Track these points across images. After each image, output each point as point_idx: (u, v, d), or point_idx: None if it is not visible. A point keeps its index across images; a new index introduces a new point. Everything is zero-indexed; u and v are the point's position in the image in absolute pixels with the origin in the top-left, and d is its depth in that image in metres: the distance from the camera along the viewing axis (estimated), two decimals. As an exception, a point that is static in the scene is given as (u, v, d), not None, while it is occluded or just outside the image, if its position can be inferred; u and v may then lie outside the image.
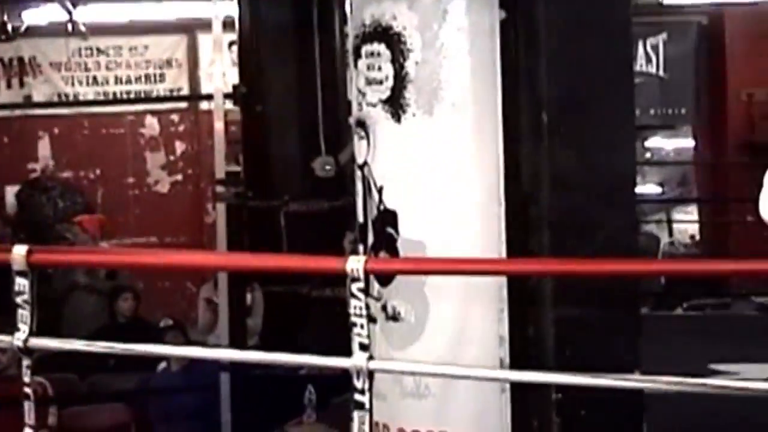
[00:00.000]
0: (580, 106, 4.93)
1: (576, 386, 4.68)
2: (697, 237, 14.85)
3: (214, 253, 7.86)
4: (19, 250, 4.57)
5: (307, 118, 8.88)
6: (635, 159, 5.26)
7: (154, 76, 14.15)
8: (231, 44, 9.77)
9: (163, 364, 9.04)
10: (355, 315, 4.43)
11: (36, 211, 13.44)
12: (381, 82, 5.02)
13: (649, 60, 13.83)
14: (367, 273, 4.42)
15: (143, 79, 14.15)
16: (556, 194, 4.93)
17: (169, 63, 14.14)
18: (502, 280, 4.94)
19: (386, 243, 5.07)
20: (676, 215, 15.19)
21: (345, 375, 4.94)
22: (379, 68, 5.02)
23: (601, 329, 4.88)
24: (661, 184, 15.09)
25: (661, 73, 14.21)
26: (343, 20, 8.75)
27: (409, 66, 4.96)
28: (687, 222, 15.04)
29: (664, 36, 14.12)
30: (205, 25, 10.69)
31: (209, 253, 8.03)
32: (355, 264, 4.45)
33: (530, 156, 4.96)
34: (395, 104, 5.00)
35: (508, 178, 4.94)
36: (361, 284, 4.41)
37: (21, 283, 4.51)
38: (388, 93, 5.01)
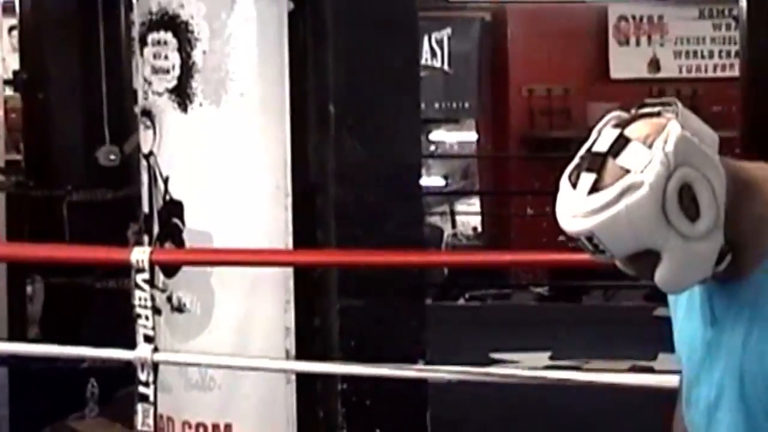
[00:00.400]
0: (367, 99, 4.96)
1: (361, 376, 4.72)
2: (480, 229, 15.07)
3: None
4: None
5: (91, 107, 8.69)
6: (421, 152, 5.31)
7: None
8: (11, 29, 9.54)
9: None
10: (140, 306, 4.38)
11: None
12: (167, 71, 4.96)
13: (434, 54, 13.99)
14: (152, 264, 4.37)
15: None
16: (343, 186, 4.94)
17: None
18: (289, 271, 4.94)
19: (172, 234, 5.01)
20: (459, 207, 15.36)
21: (129, 367, 4.89)
22: (166, 57, 4.96)
23: (386, 320, 4.91)
24: (445, 177, 15.26)
25: (445, 67, 14.40)
26: (129, 8, 8.63)
27: (197, 55, 4.91)
28: (469, 214, 15.23)
29: (448, 31, 14.31)
30: (-15, 10, 10.44)
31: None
32: (140, 255, 4.41)
33: (317, 147, 4.96)
34: (182, 94, 4.95)
35: (296, 169, 4.94)
36: (146, 275, 4.36)
37: None
38: (174, 82, 4.96)
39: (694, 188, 2.11)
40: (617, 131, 2.16)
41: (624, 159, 2.12)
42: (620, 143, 2.13)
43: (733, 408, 2.25)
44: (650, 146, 2.12)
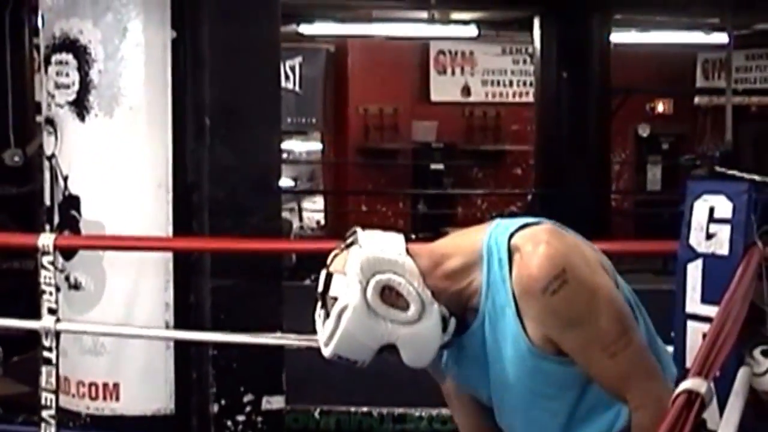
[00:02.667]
0: (237, 113, 4.91)
1: (229, 344, 4.67)
2: (323, 222, 15.07)
3: None
4: None
5: (-2, 115, 8.50)
6: (281, 157, 5.27)
7: None
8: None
9: None
10: (45, 284, 4.27)
11: None
12: (68, 87, 4.85)
13: (287, 78, 13.94)
14: (55, 248, 4.27)
15: None
16: (216, 184, 4.89)
17: None
18: (169, 255, 4.87)
19: (70, 223, 4.89)
20: (306, 204, 15.33)
21: (31, 335, 4.76)
22: (67, 74, 4.85)
23: (250, 296, 4.86)
24: (294, 179, 15.20)
25: (296, 89, 14.35)
26: (32, 32, 8.42)
27: (93, 74, 4.81)
28: (314, 210, 15.22)
29: (300, 59, 14.26)
30: None
31: None
32: (46, 240, 4.29)
33: (194, 152, 4.90)
34: (80, 106, 4.84)
35: (176, 170, 4.87)
36: (51, 258, 4.25)
37: None
38: (74, 96, 4.85)
39: (393, 286, 2.18)
40: (325, 271, 2.25)
41: (333, 291, 2.20)
42: (327, 280, 2.22)
43: (522, 412, 2.30)
44: (345, 273, 2.20)
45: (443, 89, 15.11)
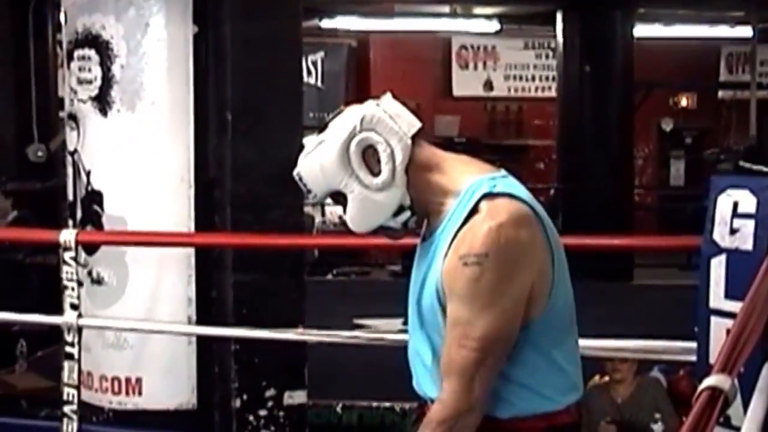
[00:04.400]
0: (258, 108, 4.91)
1: (251, 339, 4.67)
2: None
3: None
4: None
5: (22, 111, 8.53)
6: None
7: None
8: (-46, 45, 9.24)
9: None
10: (67, 279, 4.28)
11: None
12: (91, 82, 4.86)
13: (309, 73, 13.95)
14: (77, 243, 4.28)
15: None
16: (237, 180, 4.90)
17: None
18: (191, 251, 4.88)
19: (92, 218, 4.90)
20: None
21: (54, 330, 4.77)
22: (89, 70, 4.86)
23: (272, 292, 4.87)
24: (316, 174, 15.20)
25: (318, 84, 14.35)
26: (56, 28, 8.45)
27: (115, 69, 4.82)
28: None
29: (321, 54, 14.26)
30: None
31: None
32: (68, 236, 4.30)
33: (216, 147, 4.91)
34: (103, 101, 4.86)
35: (198, 165, 4.88)
36: (73, 253, 4.26)
37: None
38: (96, 91, 4.86)
39: (377, 150, 2.31)
40: (341, 108, 2.41)
41: (333, 122, 2.35)
42: (338, 113, 2.39)
43: (418, 337, 2.37)
44: (350, 115, 2.35)
45: (465, 84, 15.07)
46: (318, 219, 14.72)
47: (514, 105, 15.29)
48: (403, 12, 12.85)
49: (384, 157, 2.30)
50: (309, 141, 2.40)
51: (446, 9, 12.58)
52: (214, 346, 4.92)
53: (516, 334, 2.23)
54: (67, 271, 4.28)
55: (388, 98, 2.38)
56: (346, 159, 2.31)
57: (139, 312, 4.79)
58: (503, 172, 2.38)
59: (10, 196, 7.90)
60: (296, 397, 4.92)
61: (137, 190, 4.86)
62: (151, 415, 4.85)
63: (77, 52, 4.91)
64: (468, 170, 2.34)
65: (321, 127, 2.37)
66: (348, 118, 2.34)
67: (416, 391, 2.43)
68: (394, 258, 12.54)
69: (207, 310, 4.89)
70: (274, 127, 4.94)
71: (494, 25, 12.83)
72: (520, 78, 15.28)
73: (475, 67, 15.18)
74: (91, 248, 4.82)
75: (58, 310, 4.46)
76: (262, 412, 4.87)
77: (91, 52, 4.84)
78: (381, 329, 6.90)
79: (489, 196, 2.24)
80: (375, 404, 5.58)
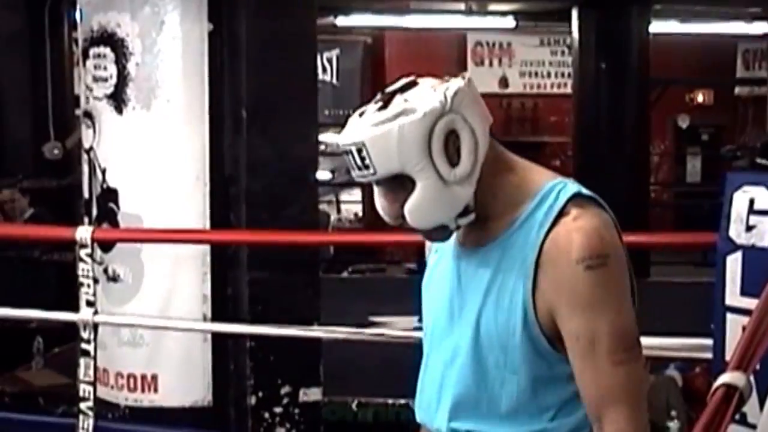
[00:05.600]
0: (274, 105, 4.91)
1: (266, 336, 4.68)
2: (360, 214, 15.07)
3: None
4: None
5: (38, 109, 8.57)
6: (318, 150, 5.27)
7: None
8: (-30, 43, 9.29)
9: None
10: (83, 276, 4.29)
11: None
12: (106, 80, 4.87)
13: (324, 70, 13.96)
14: (93, 240, 4.29)
15: None
16: (253, 177, 4.90)
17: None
18: (206, 248, 4.88)
19: (108, 216, 4.92)
20: (343, 196, 15.34)
21: (70, 327, 4.79)
22: (105, 68, 4.87)
23: (287, 289, 4.87)
24: (332, 171, 15.20)
25: (334, 81, 14.36)
26: (71, 26, 8.48)
27: (131, 67, 4.83)
28: (352, 202, 15.22)
29: (337, 51, 14.26)
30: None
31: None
32: (84, 233, 4.31)
33: (232, 145, 4.91)
34: (118, 99, 4.86)
35: (213, 162, 4.88)
36: (89, 250, 4.27)
37: None
38: (112, 89, 4.87)
39: (460, 137, 1.99)
40: (411, 78, 2.05)
41: (409, 94, 2.00)
42: (410, 84, 2.03)
43: (465, 361, 2.06)
44: (435, 90, 2.00)
45: (481, 81, 14.91)
46: (333, 216, 14.75)
47: (529, 102, 15.27)
48: (419, 9, 12.84)
49: (466, 146, 1.99)
50: (372, 108, 2.01)
51: (461, 6, 12.57)
52: (229, 343, 4.93)
53: None
54: (84, 269, 4.29)
55: (470, 79, 2.07)
56: (428, 140, 1.96)
57: (155, 309, 4.80)
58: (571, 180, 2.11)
59: (26, 193, 7.94)
60: (311, 394, 4.93)
61: (153, 188, 4.86)
62: (166, 412, 4.86)
63: (93, 50, 4.92)
64: (542, 172, 2.09)
65: (386, 97, 2.01)
66: (434, 93, 1.99)
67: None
68: (410, 255, 12.53)
69: (222, 307, 4.89)
70: (290, 124, 4.94)
71: (510, 22, 12.81)
72: (536, 75, 15.26)
73: (491, 64, 15.17)
74: (106, 245, 4.83)
75: (74, 308, 4.47)
76: (278, 409, 4.88)
77: (107, 50, 4.85)
78: (397, 326, 6.90)
79: (578, 197, 2.01)
80: (390, 401, 5.57)
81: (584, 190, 2.03)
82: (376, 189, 2.07)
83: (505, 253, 2.01)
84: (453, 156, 1.98)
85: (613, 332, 1.92)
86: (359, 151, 1.98)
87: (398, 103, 1.98)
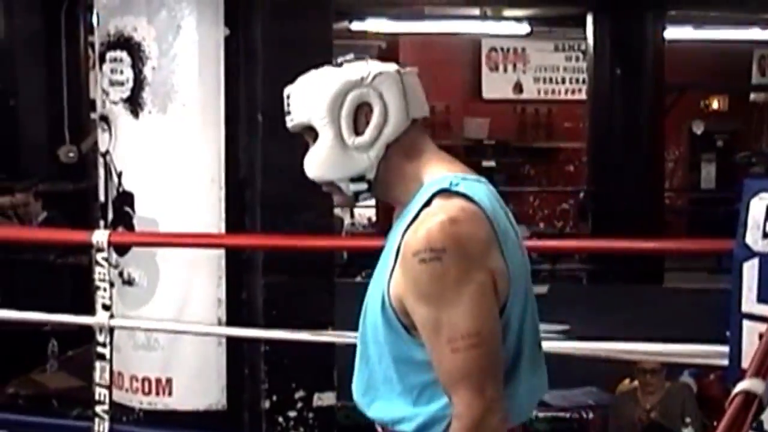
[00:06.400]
0: (289, 110, 4.90)
1: (280, 340, 4.68)
2: (374, 219, 15.08)
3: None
4: None
5: (53, 113, 8.59)
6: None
7: None
8: (-12, 46, 9.32)
9: None
10: (99, 280, 4.30)
11: None
12: (122, 84, 4.88)
13: (339, 75, 13.98)
14: (110, 244, 4.30)
15: None
16: (268, 181, 4.90)
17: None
18: (221, 252, 4.89)
19: (124, 220, 4.93)
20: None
21: (84, 330, 4.79)
22: (121, 72, 4.88)
23: (302, 293, 4.87)
24: (346, 176, 15.22)
25: (349, 86, 14.35)
26: (88, 30, 8.50)
27: (147, 71, 4.84)
28: (365, 207, 15.23)
29: (351, 56, 14.26)
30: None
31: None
32: (100, 237, 4.32)
33: (247, 149, 4.92)
34: (134, 103, 4.88)
35: (228, 166, 4.89)
36: (105, 254, 4.28)
37: None
38: (128, 93, 4.88)
39: (373, 113, 2.18)
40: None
41: (350, 65, 2.23)
42: (360, 58, 2.27)
43: (359, 337, 2.25)
44: (367, 62, 2.24)
45: (495, 86, 15.05)
46: (347, 221, 14.76)
47: (543, 107, 15.26)
48: (433, 14, 12.84)
49: (375, 121, 2.18)
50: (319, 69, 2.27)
51: (476, 11, 12.57)
52: (244, 347, 4.93)
53: (499, 324, 2.08)
54: (100, 272, 4.30)
55: (412, 72, 2.26)
56: (339, 102, 2.19)
57: (170, 313, 4.81)
58: (481, 178, 2.22)
59: (40, 197, 7.96)
60: (325, 399, 4.93)
61: (168, 192, 4.87)
62: (181, 415, 4.87)
63: (109, 54, 4.94)
64: (440, 165, 2.20)
65: (338, 63, 2.26)
66: (364, 67, 2.22)
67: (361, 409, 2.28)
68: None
69: (237, 311, 4.90)
70: (304, 128, 4.94)
71: (524, 28, 12.81)
72: (551, 80, 15.26)
73: (505, 70, 15.16)
74: (122, 249, 4.84)
75: (89, 311, 4.48)
76: (292, 414, 4.88)
77: (123, 54, 4.86)
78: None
79: (445, 192, 2.11)
80: (404, 406, 5.57)
81: (459, 187, 2.11)
82: None
83: (391, 238, 2.17)
84: (361, 125, 2.18)
85: (451, 322, 2.03)
86: (288, 97, 2.26)
87: (337, 65, 2.24)
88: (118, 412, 4.71)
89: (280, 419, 4.87)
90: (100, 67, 5.04)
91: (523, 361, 2.17)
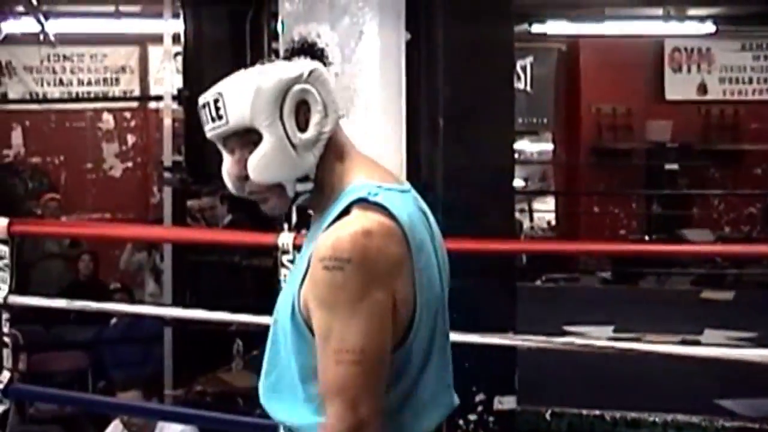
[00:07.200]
0: (470, 113, 4.93)
1: (461, 343, 4.67)
2: (553, 223, 14.96)
3: (163, 228, 7.74)
4: (1, 222, 4.45)
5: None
6: (513, 158, 5.25)
7: (111, 79, 13.93)
8: (176, 55, 9.62)
9: (114, 319, 8.93)
10: (283, 281, 4.38)
11: (9, 190, 13.17)
12: (306, 89, 4.96)
13: (518, 77, 13.90)
14: (295, 247, 4.37)
15: (102, 81, 13.92)
16: (449, 185, 4.92)
17: (123, 69, 13.93)
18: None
19: (307, 222, 4.99)
20: (536, 205, 15.27)
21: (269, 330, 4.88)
22: (306, 77, 4.96)
23: (483, 296, 4.86)
24: (525, 179, 15.16)
25: (528, 89, 14.29)
26: (271, 37, 8.69)
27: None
28: (545, 211, 15.14)
29: (531, 59, 14.18)
30: (154, 39, 10.58)
31: (159, 228, 7.90)
32: (286, 239, 4.41)
33: (428, 153, 4.95)
34: (317, 108, 4.95)
35: (410, 170, 4.91)
36: (290, 256, 4.36)
37: (2, 249, 4.39)
38: (312, 98, 4.95)
39: (311, 109, 2.19)
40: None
41: (277, 63, 2.25)
42: (283, 59, 2.28)
43: (269, 340, 2.26)
44: (296, 63, 2.26)
45: (678, 87, 14.72)
46: (526, 225, 14.69)
47: (729, 108, 14.84)
48: (615, 15, 12.67)
49: (316, 117, 2.19)
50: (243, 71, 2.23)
51: (659, 11, 12.35)
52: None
53: (389, 345, 2.07)
54: (284, 274, 4.39)
55: (326, 71, 2.30)
56: (281, 101, 2.16)
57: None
58: (404, 185, 2.24)
59: (226, 200, 8.17)
60: (506, 403, 4.91)
61: (351, 195, 4.93)
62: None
63: (293, 60, 5.02)
64: (364, 171, 2.21)
65: (263, 61, 2.24)
66: (297, 65, 2.24)
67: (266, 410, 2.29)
68: (604, 264, 12.37)
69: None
70: (486, 132, 4.95)
71: (709, 27, 12.51)
72: (737, 81, 14.83)
73: (689, 70, 14.81)
74: (306, 251, 4.91)
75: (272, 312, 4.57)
76: (472, 417, 4.88)
77: (307, 60, 4.94)
78: (591, 336, 6.82)
79: (363, 202, 2.10)
80: (585, 412, 5.51)
81: (377, 198, 2.10)
82: (223, 150, 2.24)
83: (308, 242, 2.21)
84: (302, 123, 2.17)
85: (340, 333, 2.02)
86: (216, 101, 2.16)
87: (265, 65, 2.22)
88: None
89: (461, 422, 4.88)
90: (285, 73, 5.13)
91: (429, 381, 2.23)
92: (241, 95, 2.16)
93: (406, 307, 2.11)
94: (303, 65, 2.25)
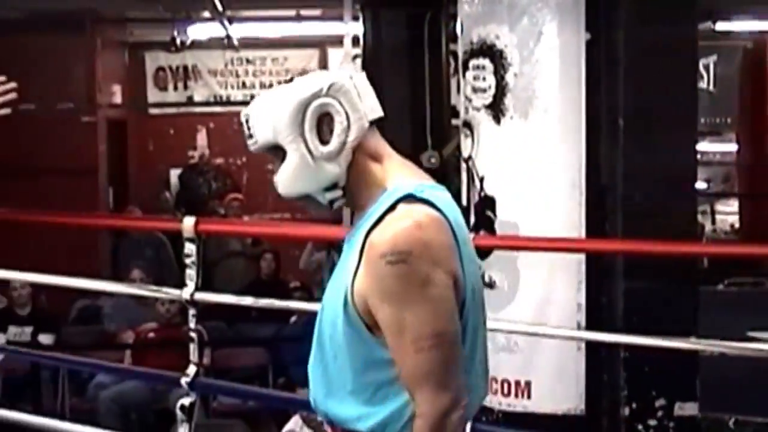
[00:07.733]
0: (652, 113, 4.85)
1: (641, 347, 4.62)
2: (737, 226, 14.58)
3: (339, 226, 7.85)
4: (189, 221, 4.61)
5: (416, 119, 8.87)
6: (696, 159, 5.14)
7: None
8: (355, 57, 9.77)
9: (294, 317, 9.11)
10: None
11: (194, 190, 13.58)
12: (485, 91, 4.98)
13: (701, 77, 13.60)
14: (476, 247, 4.40)
15: (283, 84, 14.27)
16: (629, 186, 4.86)
17: (304, 72, 14.17)
18: (581, 257, 4.89)
19: (486, 223, 5.03)
20: (719, 207, 14.91)
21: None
22: (484, 79, 4.99)
23: (663, 299, 4.80)
24: (707, 181, 14.81)
25: (711, 88, 13.96)
26: (449, 39, 8.73)
27: (509, 78, 4.92)
28: (728, 213, 14.77)
29: (714, 57, 13.85)
30: (334, 42, 10.78)
31: (338, 227, 8.02)
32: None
33: (608, 154, 4.89)
34: (496, 109, 4.97)
35: (589, 171, 4.89)
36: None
37: (189, 247, 4.54)
38: (490, 99, 4.97)
39: (333, 119, 2.26)
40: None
41: (300, 79, 2.32)
42: (305, 73, 2.39)
43: (316, 336, 2.34)
44: (318, 77, 2.32)
45: None
46: (708, 227, 14.35)
47: None
48: (804, 10, 12.26)
49: (338, 128, 2.26)
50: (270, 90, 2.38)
51: None
52: (603, 352, 4.91)
53: (459, 324, 2.19)
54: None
55: (362, 76, 2.35)
56: (300, 117, 2.26)
57: (530, 316, 4.86)
58: (439, 185, 2.32)
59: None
60: (687, 409, 4.82)
61: (529, 196, 4.93)
62: (539, 418, 4.91)
63: (472, 62, 5.06)
64: (403, 171, 2.31)
65: (287, 81, 2.35)
66: (316, 79, 2.31)
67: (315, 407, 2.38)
68: (790, 269, 11.97)
69: (596, 316, 4.88)
70: (668, 132, 4.86)
71: None
72: None
73: None
74: (484, 252, 4.94)
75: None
76: (652, 422, 4.81)
77: (486, 62, 4.97)
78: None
79: (409, 198, 2.21)
80: (770, 421, 5.38)
81: (423, 194, 2.21)
82: None
83: (354, 241, 2.25)
84: (326, 135, 2.27)
85: (415, 322, 2.12)
86: (247, 121, 2.32)
87: (287, 84, 2.32)
88: (479, 412, 4.81)
89: (640, 427, 4.82)
90: (463, 75, 5.17)
91: (476, 364, 2.31)
92: (264, 115, 2.29)
93: (459, 292, 2.22)
94: (323, 80, 2.31)
